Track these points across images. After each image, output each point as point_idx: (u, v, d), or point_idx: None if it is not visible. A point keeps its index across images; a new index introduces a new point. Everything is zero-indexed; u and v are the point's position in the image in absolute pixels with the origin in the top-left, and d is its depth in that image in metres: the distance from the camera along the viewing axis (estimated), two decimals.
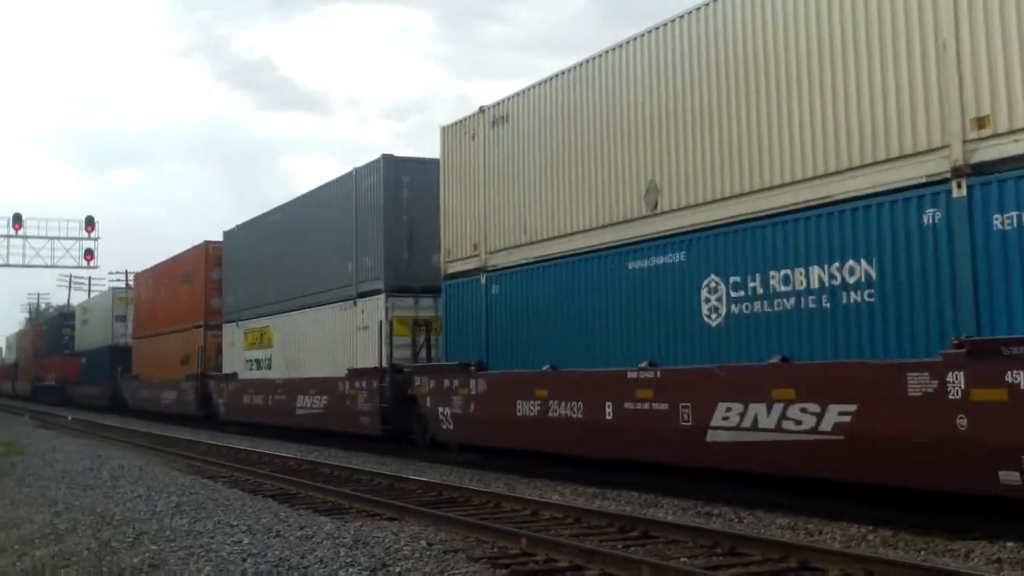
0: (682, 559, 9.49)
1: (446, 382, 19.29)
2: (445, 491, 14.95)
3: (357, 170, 24.68)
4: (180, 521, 12.22)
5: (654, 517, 11.90)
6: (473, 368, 18.58)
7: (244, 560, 9.68)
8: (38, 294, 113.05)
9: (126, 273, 73.08)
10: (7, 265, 52.94)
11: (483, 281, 18.86)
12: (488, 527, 11.15)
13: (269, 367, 29.41)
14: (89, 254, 53.65)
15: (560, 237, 16.90)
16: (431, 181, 21.33)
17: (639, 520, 11.37)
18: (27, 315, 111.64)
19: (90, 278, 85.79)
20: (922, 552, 9.82)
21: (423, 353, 22.13)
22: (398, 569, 9.14)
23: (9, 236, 51.85)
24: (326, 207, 26.29)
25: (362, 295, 23.89)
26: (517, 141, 18.13)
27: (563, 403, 15.95)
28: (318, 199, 27.07)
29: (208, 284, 35.82)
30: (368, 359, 23.02)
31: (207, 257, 36.23)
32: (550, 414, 16.20)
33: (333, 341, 25.24)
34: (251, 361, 30.94)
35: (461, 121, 19.91)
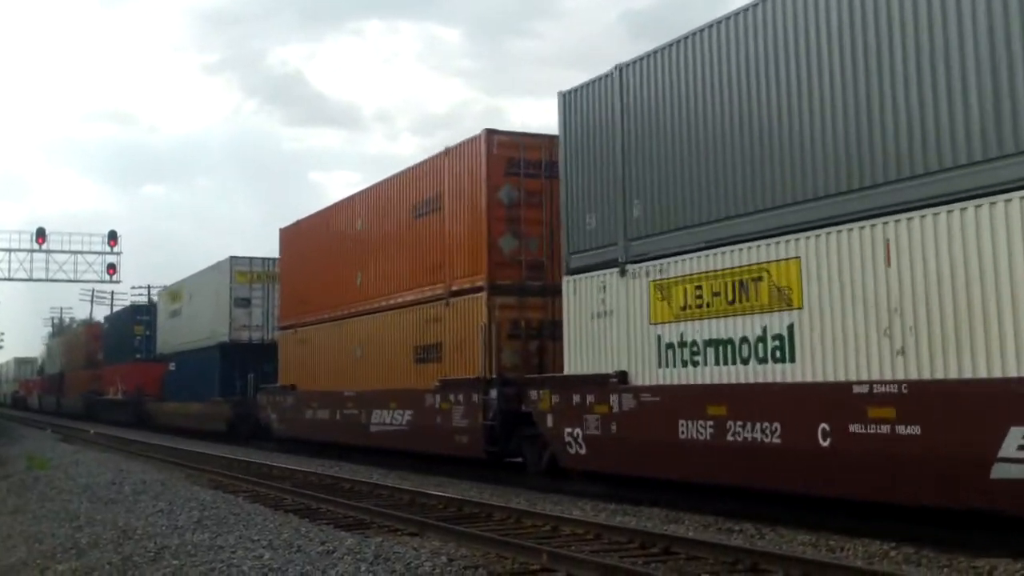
0: (703, 575, 9.46)
1: None
2: (466, 506, 14.94)
3: None
4: (202, 536, 12.24)
5: (675, 533, 11.86)
6: None
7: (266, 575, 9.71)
8: (61, 308, 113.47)
9: (148, 288, 73.37)
10: (31, 279, 53.29)
11: None
12: (509, 543, 11.15)
13: (785, 355, 12.66)
14: (112, 268, 53.85)
15: None
16: None
17: (660, 536, 11.35)
18: (50, 329, 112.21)
19: (112, 292, 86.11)
20: (944, 570, 9.77)
21: None
22: None
23: (33, 250, 52.20)
24: None
25: None
26: None
27: None
28: None
29: (492, 212, 19.29)
30: None
31: (489, 160, 19.43)
32: None
33: None
34: (682, 347, 14.25)
35: None
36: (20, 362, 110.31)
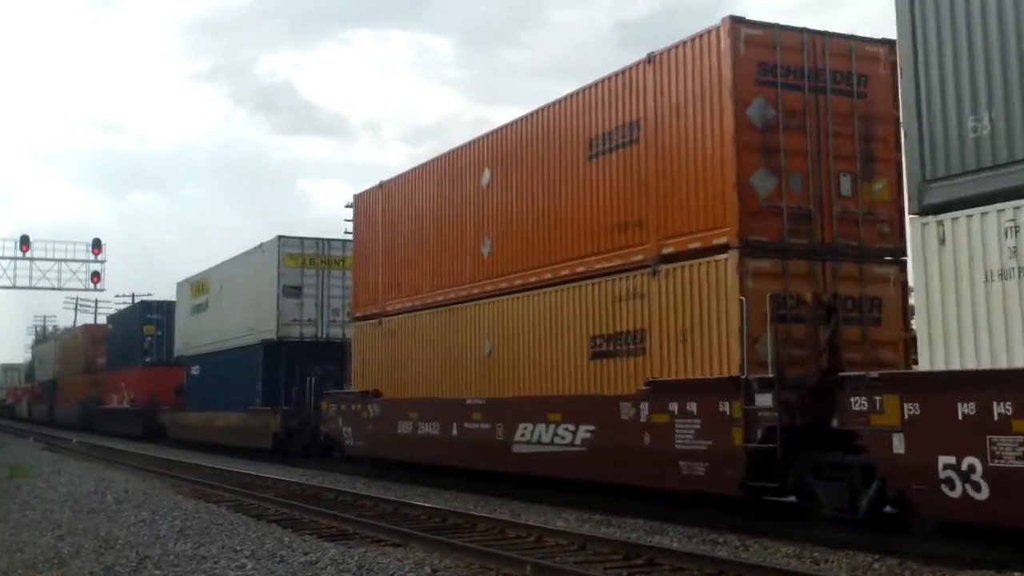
0: None
1: None
2: (450, 517, 14.89)
3: None
4: (184, 546, 12.18)
5: (659, 544, 11.85)
6: None
7: None
8: (44, 316, 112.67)
9: (132, 296, 73.04)
10: (14, 287, 53.06)
11: None
12: (493, 554, 11.11)
13: None
14: (96, 277, 53.65)
15: None
16: None
17: (644, 547, 11.33)
18: (34, 337, 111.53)
19: (96, 301, 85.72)
20: None
21: None
22: None
23: (16, 258, 52.02)
24: None
25: None
26: None
27: None
28: None
29: (741, 136, 13.53)
30: None
31: (736, 63, 13.61)
32: None
33: None
34: None
35: None
36: (7, 369, 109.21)
